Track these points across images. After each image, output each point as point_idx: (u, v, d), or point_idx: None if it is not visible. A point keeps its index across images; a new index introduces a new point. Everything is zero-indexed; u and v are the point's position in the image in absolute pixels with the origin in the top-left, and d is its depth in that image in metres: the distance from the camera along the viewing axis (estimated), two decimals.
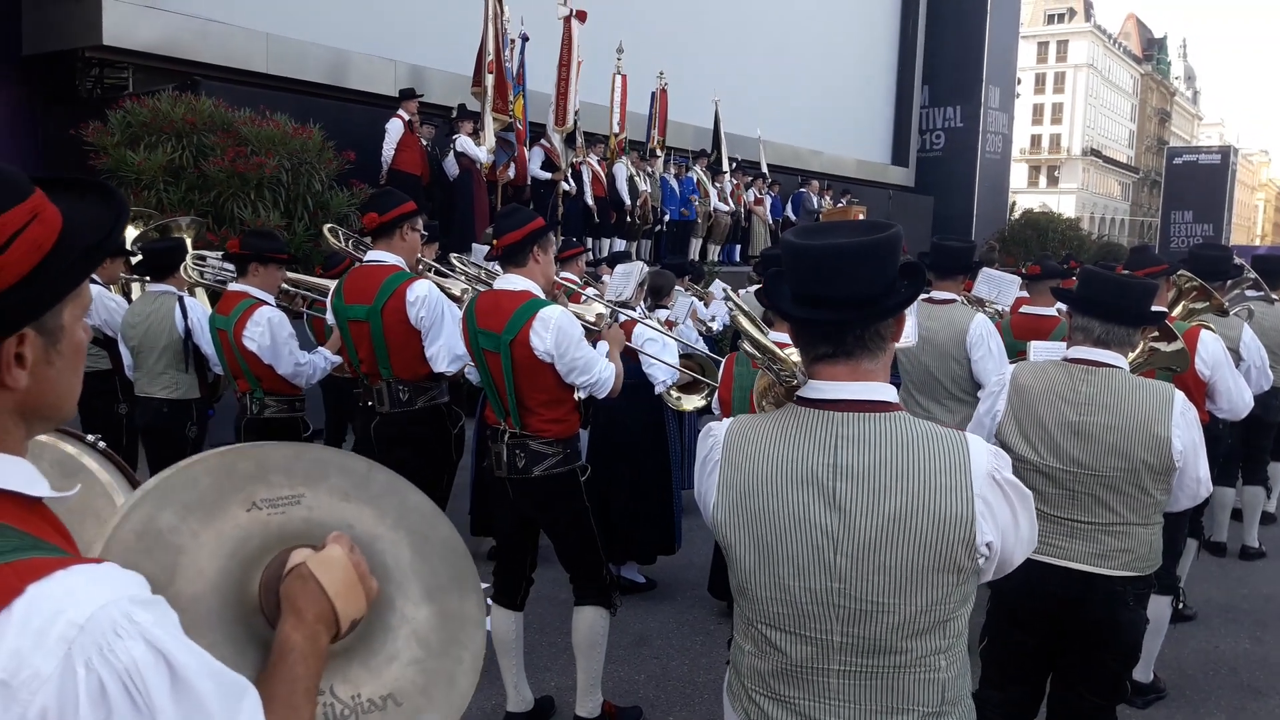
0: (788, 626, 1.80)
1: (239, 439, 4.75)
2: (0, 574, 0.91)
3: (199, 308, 5.02)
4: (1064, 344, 3.09)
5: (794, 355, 2.05)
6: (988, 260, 15.80)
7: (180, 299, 4.96)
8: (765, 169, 19.33)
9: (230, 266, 4.86)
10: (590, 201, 14.21)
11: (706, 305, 8.24)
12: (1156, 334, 3.42)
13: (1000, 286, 5.50)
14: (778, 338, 2.69)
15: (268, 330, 4.44)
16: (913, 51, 27.25)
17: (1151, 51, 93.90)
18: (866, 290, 1.73)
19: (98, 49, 10.98)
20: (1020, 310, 5.76)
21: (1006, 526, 1.74)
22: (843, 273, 1.73)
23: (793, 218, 18.85)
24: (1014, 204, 31.26)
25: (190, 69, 11.31)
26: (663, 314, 6.55)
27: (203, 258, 5.17)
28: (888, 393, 1.80)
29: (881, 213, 21.30)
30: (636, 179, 14.93)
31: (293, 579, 1.22)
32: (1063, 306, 5.75)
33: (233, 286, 4.68)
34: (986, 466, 1.72)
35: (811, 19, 22.52)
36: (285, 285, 4.86)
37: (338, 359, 4.68)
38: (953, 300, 4.87)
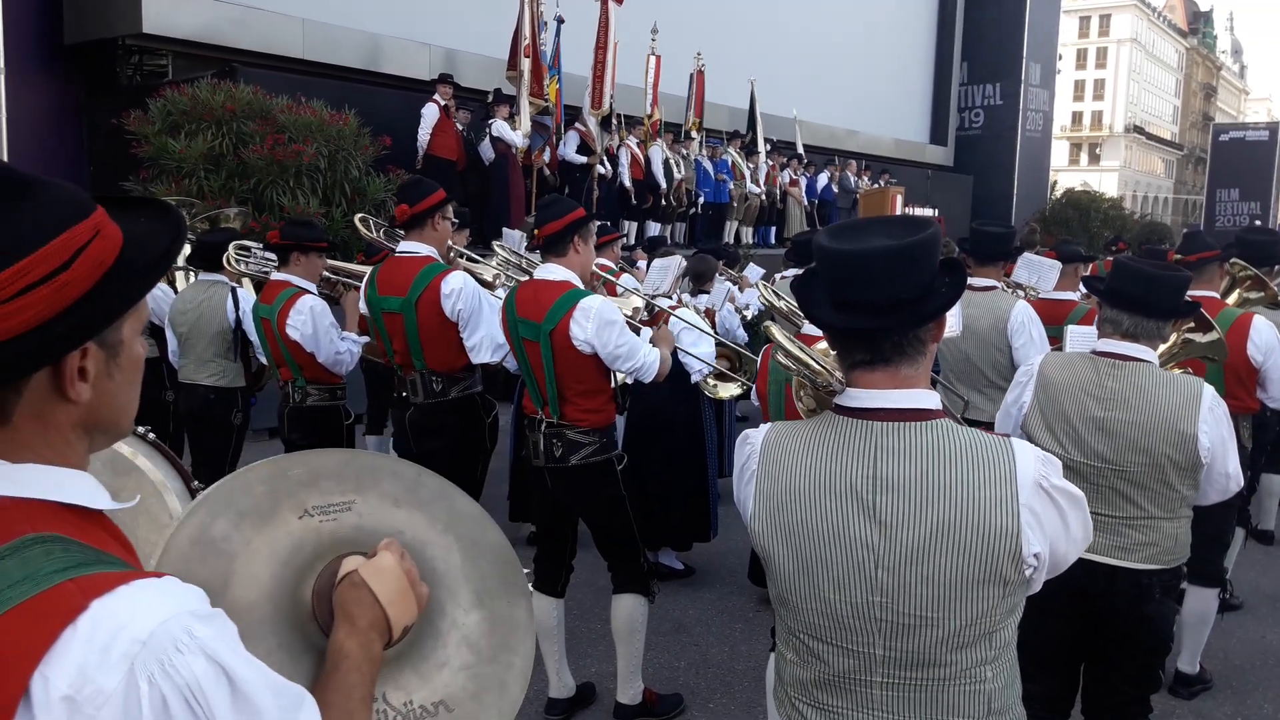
0: (829, 638, 1.77)
1: (282, 427, 4.82)
2: (66, 590, 0.93)
3: (249, 297, 5.09)
4: (1052, 260, 3.02)
5: (831, 359, 2.02)
6: (1029, 242, 15.60)
7: (233, 289, 5.04)
8: (801, 149, 19.17)
9: (273, 256, 4.91)
10: (628, 184, 14.18)
11: (741, 290, 8.19)
12: (1191, 324, 3.35)
13: (1040, 272, 5.42)
14: (811, 331, 2.66)
15: (310, 319, 4.48)
16: (951, 28, 26.85)
17: (1197, 25, 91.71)
18: (904, 294, 1.68)
19: (138, 37, 11.12)
20: (1040, 294, 5.67)
21: (1056, 534, 1.70)
22: (878, 278, 1.67)
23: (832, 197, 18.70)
24: (1055, 183, 30.74)
25: (228, 56, 11.42)
26: (704, 300, 6.52)
27: (247, 248, 5.22)
28: (929, 400, 1.75)
29: (920, 193, 21.08)
30: (672, 162, 14.87)
31: (346, 586, 1.23)
32: (1085, 291, 5.69)
33: (275, 276, 4.73)
34: (1034, 475, 1.67)
35: None
36: (326, 273, 4.90)
37: (365, 338, 4.72)
38: (993, 287, 4.81)
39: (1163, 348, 3.25)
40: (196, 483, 2.55)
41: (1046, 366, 3.04)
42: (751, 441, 1.89)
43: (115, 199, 1.12)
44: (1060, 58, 32.16)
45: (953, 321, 1.83)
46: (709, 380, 5.28)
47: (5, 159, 9.52)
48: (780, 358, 2.19)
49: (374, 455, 1.48)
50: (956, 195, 24.89)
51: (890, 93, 24.48)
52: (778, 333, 2.23)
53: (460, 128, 11.98)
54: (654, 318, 4.82)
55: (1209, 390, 2.82)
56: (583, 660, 4.53)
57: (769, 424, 1.94)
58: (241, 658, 0.98)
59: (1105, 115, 79.98)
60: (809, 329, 2.77)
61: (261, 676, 0.99)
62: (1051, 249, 5.86)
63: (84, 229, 1.00)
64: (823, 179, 19.01)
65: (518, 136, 12.06)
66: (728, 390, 5.39)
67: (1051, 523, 1.70)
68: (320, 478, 1.35)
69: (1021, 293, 5.42)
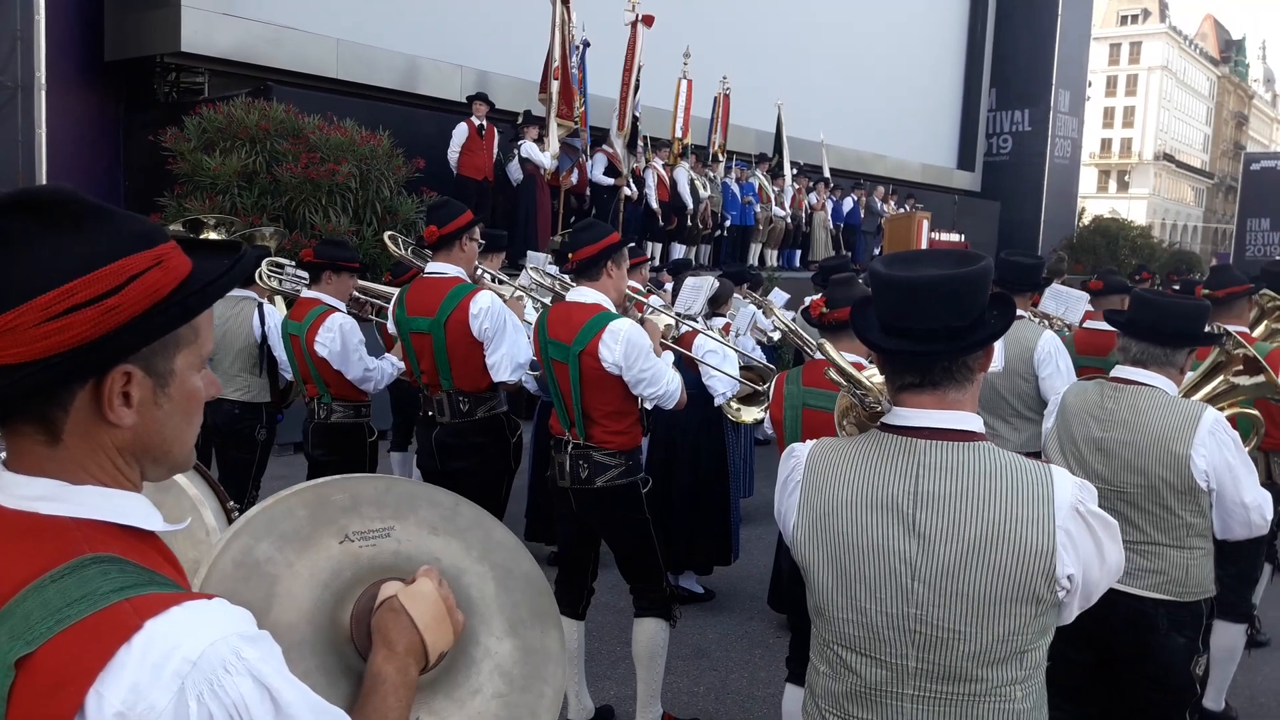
0: (863, 649, 1.82)
1: (306, 442, 4.87)
2: (121, 610, 0.96)
3: (276, 314, 5.16)
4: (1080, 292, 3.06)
5: (875, 378, 2.05)
6: (1055, 269, 15.51)
7: (260, 305, 5.11)
8: (827, 173, 19.19)
9: (304, 274, 4.98)
10: (655, 205, 14.24)
11: (766, 315, 8.20)
12: (1240, 368, 3.33)
13: (1068, 303, 5.41)
14: (853, 359, 2.69)
15: (339, 336, 4.54)
16: (980, 54, 26.86)
17: (1229, 53, 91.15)
18: (954, 323, 1.74)
19: (175, 55, 11.32)
20: (1084, 325, 5.65)
21: (1089, 559, 1.74)
22: (931, 305, 1.74)
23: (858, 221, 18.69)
24: (1083, 210, 30.63)
25: (263, 74, 11.60)
26: (719, 321, 6.53)
27: (280, 265, 5.30)
28: (973, 423, 1.81)
29: (947, 218, 21.06)
30: (698, 184, 14.94)
31: (384, 611, 1.25)
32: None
33: (305, 293, 4.79)
34: (1070, 499, 1.72)
35: (876, 22, 22.30)
36: (355, 293, 4.96)
37: (403, 364, 4.77)
38: (1020, 316, 4.80)
39: (1205, 390, 3.25)
40: (232, 503, 2.59)
41: (1068, 394, 3.16)
42: (797, 454, 1.95)
43: (211, 242, 1.17)
44: (1090, 85, 32.03)
45: (995, 357, 1.88)
46: (732, 404, 5.29)
47: (45, 173, 9.72)
48: (832, 373, 2.24)
49: (412, 483, 1.51)
50: (983, 221, 24.82)
51: (918, 117, 24.49)
52: (830, 350, 2.27)
53: (495, 151, 12.04)
54: (681, 340, 4.85)
55: (1211, 414, 2.83)
56: (601, 683, 4.53)
57: (785, 436, 1.99)
58: (286, 679, 1.01)
59: (1135, 142, 79.55)
60: (850, 356, 2.81)
61: (304, 698, 1.01)
62: (1097, 278, 5.81)
63: (143, 258, 1.04)
64: (849, 203, 19.01)
65: (546, 158, 12.16)
66: (750, 414, 5.38)
67: (1086, 547, 1.73)
68: (361, 504, 1.38)
69: (1047, 323, 5.41)
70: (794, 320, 5.74)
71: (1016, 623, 1.72)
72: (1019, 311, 4.84)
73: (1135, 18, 79.01)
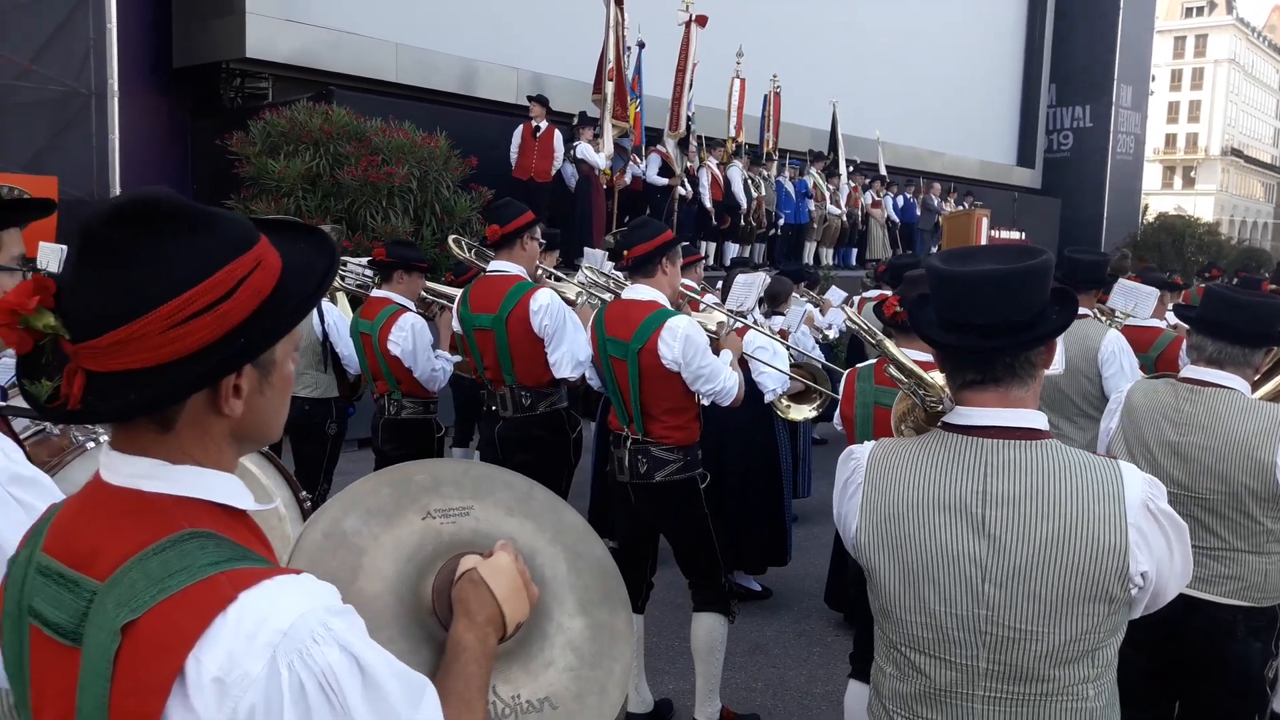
0: (932, 651, 1.80)
1: (375, 437, 4.97)
2: (218, 582, 1.02)
3: (335, 311, 5.26)
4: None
5: (938, 377, 2.04)
6: (1120, 267, 15.20)
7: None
8: (884, 170, 19.03)
9: (368, 272, 5.08)
10: (708, 204, 14.26)
11: (823, 313, 8.18)
12: None
13: (1137, 299, 5.31)
14: (917, 357, 2.67)
15: (411, 335, 4.63)
16: (1040, 49, 26.43)
17: None
18: (1015, 317, 1.72)
19: (240, 61, 11.61)
20: (1125, 322, 5.54)
21: (1162, 557, 1.72)
22: (991, 300, 1.72)
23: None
24: (1146, 206, 30.00)
25: (325, 79, 11.84)
26: (778, 321, 6.52)
27: (344, 263, 5.42)
28: (1038, 420, 1.78)
29: (1006, 215, 20.76)
30: (750, 182, 14.92)
31: (465, 583, 1.30)
32: (1172, 319, 5.55)
33: (376, 293, 4.88)
34: (1141, 496, 1.70)
35: (933, 17, 22.04)
36: (422, 292, 5.05)
37: (457, 357, 4.86)
38: (1084, 315, 4.73)
39: (1268, 388, 3.18)
40: (304, 493, 2.67)
41: (1133, 393, 3.05)
42: (856, 456, 1.93)
43: (275, 221, 1.21)
44: (1154, 79, 31.32)
45: (1056, 358, 1.86)
46: (782, 401, 5.27)
47: (118, 177, 10.02)
48: (892, 370, 2.23)
49: (489, 466, 1.57)
50: (1044, 218, 24.41)
51: (976, 114, 24.17)
52: (891, 346, 2.26)
53: (558, 148, 12.12)
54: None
55: None
56: (660, 677, 4.56)
57: (856, 434, 1.98)
58: (371, 648, 1.06)
59: (1201, 137, 77.52)
60: (914, 354, 2.79)
61: (388, 665, 1.06)
62: (1136, 275, 5.73)
63: (247, 260, 1.09)
64: (905, 200, 18.84)
65: (600, 158, 12.24)
66: (801, 413, 5.37)
67: (1158, 545, 1.71)
68: (441, 484, 1.44)
69: (1108, 320, 5.32)
70: (847, 320, 5.72)
71: (1089, 622, 1.70)
72: (1083, 309, 4.78)
73: (1200, 10, 76.99)
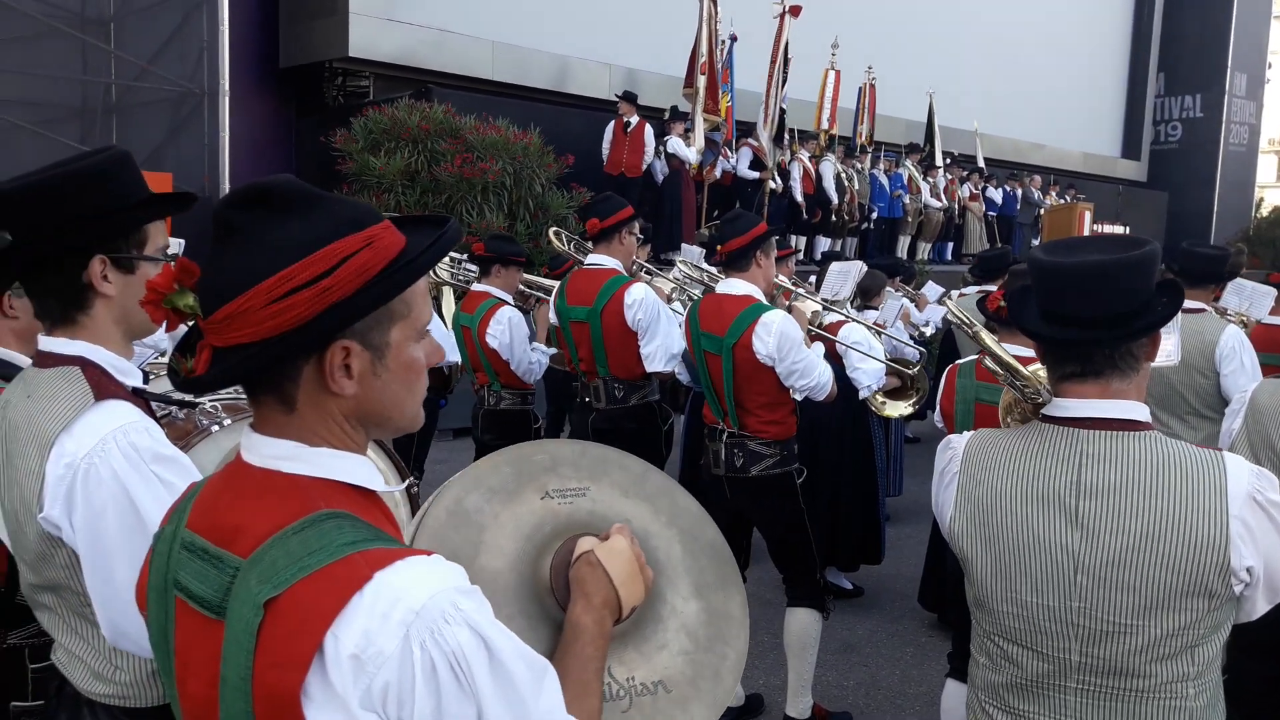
0: (1024, 642, 1.79)
1: (475, 426, 5.09)
2: (354, 561, 1.05)
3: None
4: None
5: (1039, 371, 2.01)
6: (1234, 264, 14.54)
7: None
8: (982, 163, 18.56)
9: (471, 267, 5.19)
10: (799, 198, 14.12)
11: (920, 308, 8.03)
12: None
13: (1253, 298, 5.09)
14: (1016, 351, 2.62)
15: (508, 329, 4.72)
16: (1148, 36, 25.41)
17: None
18: (1117, 309, 1.69)
19: (343, 60, 11.94)
20: (1262, 320, 5.30)
21: (1272, 550, 1.66)
22: (1093, 291, 1.70)
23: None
24: (1261, 200, 28.57)
25: (424, 77, 12.09)
26: (871, 315, 6.43)
27: (453, 258, 5.53)
28: (1139, 411, 1.75)
29: (1110, 209, 20.07)
30: (844, 176, 14.71)
31: (582, 565, 1.32)
32: None
33: (476, 287, 4.99)
34: (1247, 487, 1.65)
35: (1034, 3, 21.37)
36: (520, 285, 5.14)
37: (553, 349, 4.94)
38: (1202, 310, 4.56)
39: None
40: (413, 477, 2.75)
41: (1259, 393, 2.91)
42: (954, 446, 1.93)
43: (419, 217, 1.25)
44: (1270, 66, 29.80)
45: (1170, 348, 1.81)
46: (877, 397, 5.20)
47: (227, 174, 10.42)
48: (988, 362, 2.21)
49: (605, 448, 1.58)
50: (1150, 212, 23.50)
51: (1079, 104, 23.34)
52: (987, 338, 2.23)
53: (648, 143, 12.15)
54: (826, 328, 4.82)
55: None
56: (751, 672, 4.56)
57: (956, 430, 1.96)
58: (498, 629, 1.08)
59: None
60: (1014, 349, 2.74)
61: (514, 646, 1.09)
62: (1277, 271, 5.47)
63: (353, 241, 1.12)
64: (1003, 194, 18.34)
65: (692, 153, 12.22)
66: (895, 409, 5.30)
67: (1268, 538, 1.66)
68: (559, 464, 1.46)
69: (1236, 317, 5.11)
70: (948, 313, 5.62)
71: (1187, 617, 1.66)
72: (1201, 305, 4.60)
73: None
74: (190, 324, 1.17)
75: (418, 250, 1.18)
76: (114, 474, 1.56)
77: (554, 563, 1.35)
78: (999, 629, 1.83)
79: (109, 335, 1.72)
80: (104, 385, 1.66)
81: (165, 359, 3.34)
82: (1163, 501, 1.66)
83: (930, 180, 16.69)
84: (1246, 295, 5.14)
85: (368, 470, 1.20)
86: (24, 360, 2.04)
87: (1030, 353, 2.95)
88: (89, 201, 1.65)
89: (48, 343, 1.72)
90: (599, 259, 4.48)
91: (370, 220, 1.16)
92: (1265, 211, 27.10)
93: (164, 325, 1.20)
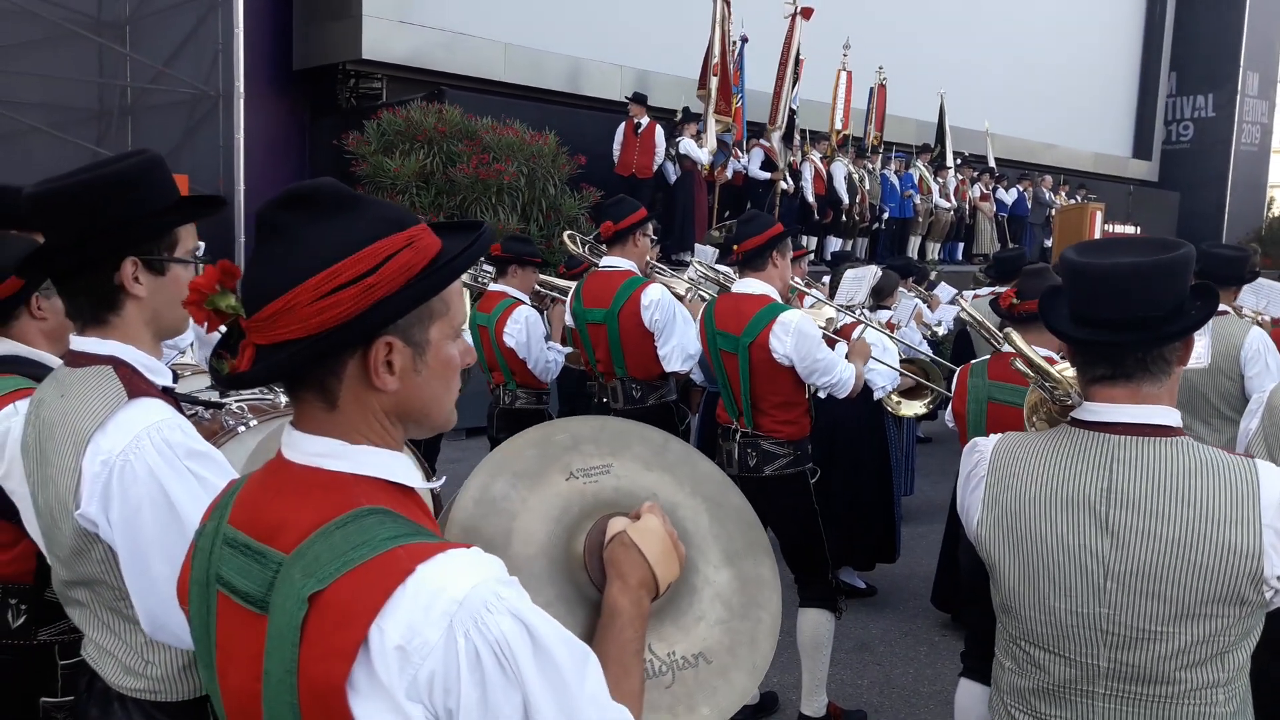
0: (1051, 647, 1.78)
1: (490, 425, 5.12)
2: (396, 555, 1.07)
3: None
4: None
5: (1067, 372, 2.00)
6: (1251, 264, 14.48)
7: None
8: (993, 163, 18.52)
9: (488, 268, 5.22)
10: (811, 199, 14.12)
11: (932, 309, 8.03)
12: None
13: (1270, 297, 5.07)
14: (1044, 353, 2.63)
15: (525, 328, 4.75)
16: (1159, 36, 25.28)
17: None
18: (1150, 312, 1.68)
19: (357, 62, 11.96)
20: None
21: None
22: (1125, 294, 1.68)
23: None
24: (1273, 200, 28.41)
25: (437, 79, 12.11)
26: (884, 315, 6.45)
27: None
28: (1169, 416, 1.74)
29: (1121, 209, 19.98)
30: (855, 176, 14.71)
31: (616, 546, 1.32)
32: None
33: (493, 287, 5.02)
34: (1279, 495, 1.64)
35: (1044, 3, 21.30)
36: (536, 286, 5.17)
37: (567, 349, 4.97)
38: (1225, 312, 4.54)
39: None
40: (434, 477, 2.78)
41: (1275, 393, 2.89)
42: (980, 449, 1.91)
43: (452, 223, 1.28)
44: None
45: (1200, 350, 1.80)
46: (892, 396, 5.21)
47: (241, 176, 10.48)
48: (1019, 364, 2.20)
49: (623, 421, 1.58)
50: (1161, 212, 23.39)
51: (1090, 104, 23.25)
52: (1018, 340, 2.22)
53: (659, 144, 12.17)
54: (840, 331, 4.83)
55: None
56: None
57: (968, 430, 1.95)
58: (540, 616, 1.10)
59: None
60: (1043, 350, 2.74)
61: (556, 632, 1.10)
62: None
63: (396, 240, 1.15)
64: (1014, 194, 18.30)
65: (704, 154, 12.24)
66: (911, 408, 5.30)
67: None
68: (580, 441, 1.46)
69: (1255, 317, 5.08)
70: (963, 315, 5.63)
71: (1218, 624, 1.65)
72: (1223, 306, 4.58)
73: None
74: (229, 324, 1.19)
75: (456, 250, 1.21)
76: (149, 470, 1.59)
77: (587, 544, 1.35)
78: (1026, 634, 1.81)
79: (139, 335, 1.75)
80: (136, 384, 1.68)
81: (185, 359, 3.37)
82: (1195, 509, 1.64)
83: (941, 180, 16.67)
84: (1263, 294, 5.11)
85: (406, 467, 1.22)
86: (54, 361, 2.06)
87: (1049, 352, 2.96)
88: (122, 206, 1.67)
89: (80, 342, 1.74)
90: (614, 261, 4.51)
91: (410, 221, 1.19)
92: (1277, 211, 26.97)
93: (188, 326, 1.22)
